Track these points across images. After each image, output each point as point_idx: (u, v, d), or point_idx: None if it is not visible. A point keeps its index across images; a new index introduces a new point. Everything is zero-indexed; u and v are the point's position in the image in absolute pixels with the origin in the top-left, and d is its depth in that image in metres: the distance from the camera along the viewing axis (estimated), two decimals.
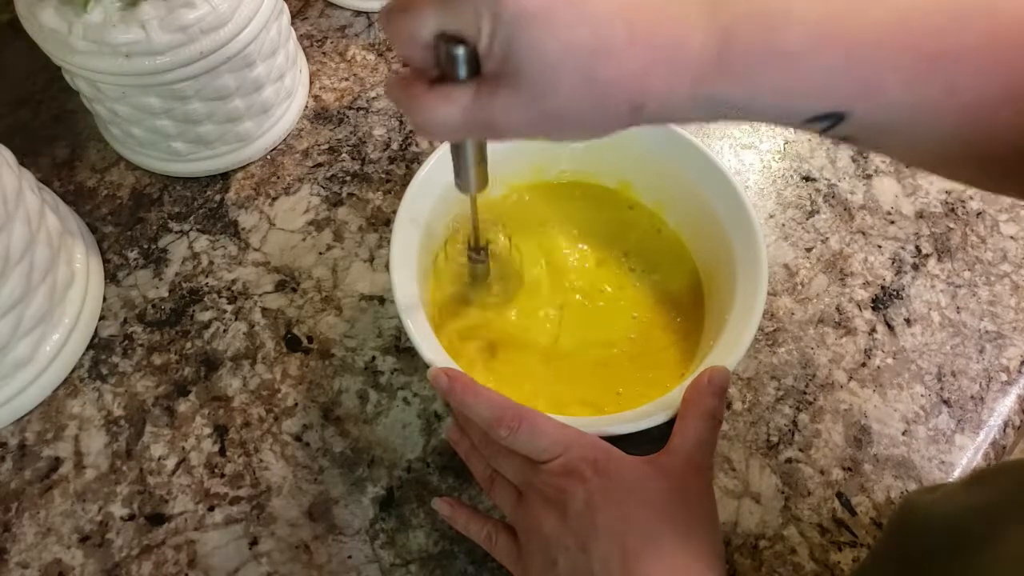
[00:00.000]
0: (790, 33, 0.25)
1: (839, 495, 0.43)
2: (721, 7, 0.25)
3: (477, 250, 0.43)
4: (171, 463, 0.44)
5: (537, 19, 0.25)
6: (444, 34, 0.27)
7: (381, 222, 0.52)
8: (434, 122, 0.28)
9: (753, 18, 0.25)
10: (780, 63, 0.25)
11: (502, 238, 0.45)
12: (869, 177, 0.54)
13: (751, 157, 0.56)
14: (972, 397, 0.46)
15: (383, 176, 0.54)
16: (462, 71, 0.27)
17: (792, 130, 0.55)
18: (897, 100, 0.26)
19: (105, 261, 0.51)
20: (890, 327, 0.48)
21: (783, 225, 0.52)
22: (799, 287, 0.50)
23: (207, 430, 0.45)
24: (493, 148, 0.45)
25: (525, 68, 0.25)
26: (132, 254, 0.51)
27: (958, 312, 0.49)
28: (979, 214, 0.53)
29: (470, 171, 0.34)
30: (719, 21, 0.25)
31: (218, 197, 0.54)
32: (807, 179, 0.54)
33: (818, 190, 0.54)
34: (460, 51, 0.27)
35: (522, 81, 0.26)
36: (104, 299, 0.50)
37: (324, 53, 0.60)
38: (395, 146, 0.56)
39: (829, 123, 0.27)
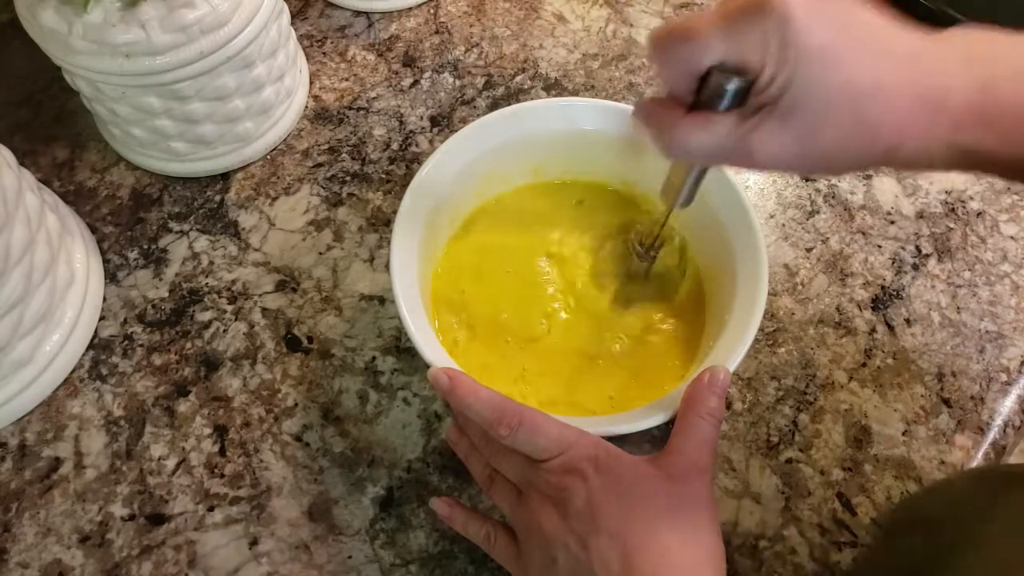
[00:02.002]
0: None
1: (839, 495, 0.43)
2: (978, 59, 0.27)
3: (648, 248, 0.44)
4: (171, 463, 0.44)
5: (824, 55, 0.26)
6: (721, 65, 0.27)
7: (381, 222, 0.52)
8: (689, 147, 0.30)
9: (1014, 73, 0.27)
10: None
11: (676, 243, 0.46)
12: (869, 177, 0.54)
13: None
14: (972, 397, 0.46)
15: (383, 176, 0.54)
16: (727, 104, 0.28)
17: None
18: None
19: (105, 261, 0.51)
20: (890, 327, 0.48)
21: (783, 225, 0.52)
22: (799, 287, 0.50)
23: (207, 430, 0.45)
24: (493, 148, 0.46)
25: (801, 102, 0.27)
26: (132, 254, 0.51)
27: (958, 312, 0.49)
28: (979, 214, 0.53)
29: (688, 190, 0.36)
30: (978, 74, 0.27)
31: (218, 197, 0.54)
32: (807, 179, 0.54)
33: (818, 190, 0.54)
34: (733, 85, 0.28)
35: (795, 115, 0.27)
36: (104, 299, 0.50)
37: (324, 53, 0.60)
38: (395, 146, 0.56)
39: None
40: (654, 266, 0.45)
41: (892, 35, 0.27)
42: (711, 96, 0.28)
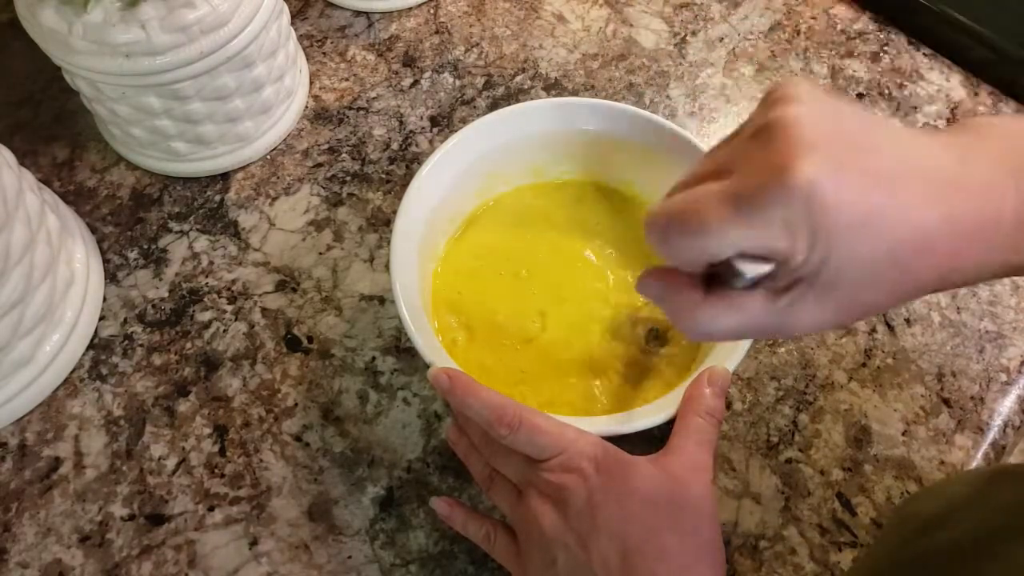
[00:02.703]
0: None
1: (839, 495, 0.43)
2: (1019, 166, 0.25)
3: (657, 337, 0.43)
4: (171, 463, 0.44)
5: (861, 228, 0.23)
6: (742, 252, 0.24)
7: (381, 222, 0.52)
8: (713, 328, 0.27)
9: None
10: None
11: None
12: None
13: None
14: (972, 397, 0.46)
15: (383, 176, 0.54)
16: (748, 284, 0.25)
17: None
18: None
19: (105, 261, 0.51)
20: (890, 327, 0.48)
21: None
22: None
23: (207, 430, 0.45)
24: (493, 148, 0.46)
25: (843, 275, 0.24)
26: (132, 254, 0.51)
27: (958, 312, 0.49)
28: None
29: None
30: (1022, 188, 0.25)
31: (218, 197, 0.54)
32: None
33: None
34: (759, 271, 0.24)
35: (836, 286, 0.25)
36: (104, 299, 0.50)
37: (324, 53, 0.60)
38: (395, 146, 0.56)
39: None
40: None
41: (921, 165, 0.25)
42: (729, 278, 0.25)
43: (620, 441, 0.36)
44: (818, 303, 0.25)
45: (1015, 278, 0.50)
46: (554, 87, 0.58)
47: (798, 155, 0.23)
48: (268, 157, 0.55)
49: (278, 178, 0.55)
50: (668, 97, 0.58)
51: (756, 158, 0.24)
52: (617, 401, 0.42)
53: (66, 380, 0.47)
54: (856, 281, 0.25)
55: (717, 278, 0.26)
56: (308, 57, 0.60)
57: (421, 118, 0.57)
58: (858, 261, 0.24)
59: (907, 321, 0.49)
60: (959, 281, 0.26)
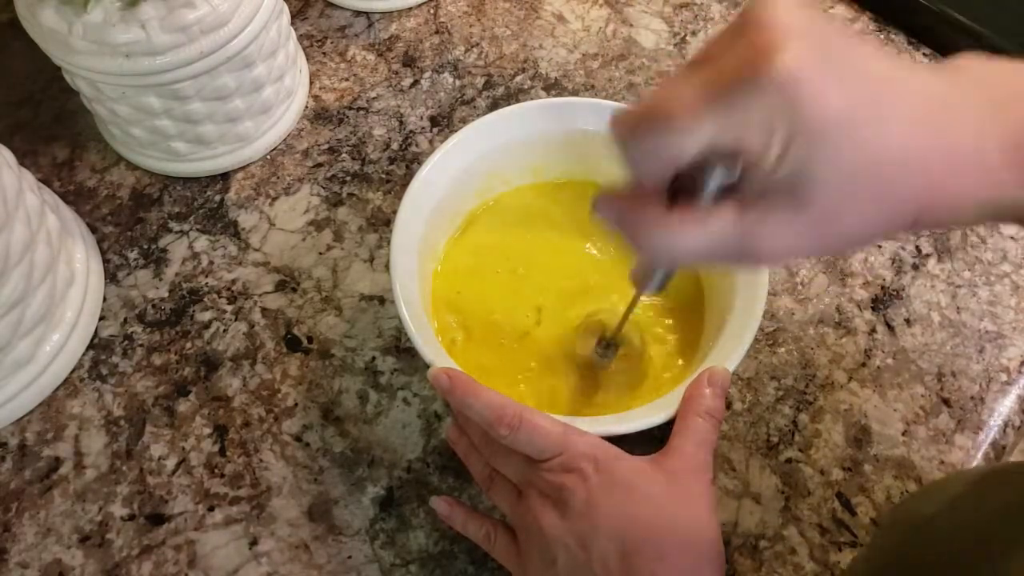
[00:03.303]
0: None
1: (839, 495, 0.43)
2: (1007, 107, 0.23)
3: (608, 345, 0.42)
4: (171, 463, 0.44)
5: (844, 127, 0.21)
6: (711, 148, 0.22)
7: (381, 222, 0.52)
8: (678, 249, 0.24)
9: None
10: None
11: (637, 344, 0.43)
12: None
13: None
14: (972, 397, 0.46)
15: (383, 176, 0.54)
16: (714, 193, 0.23)
17: None
18: None
19: (105, 261, 0.51)
20: (890, 327, 0.48)
21: None
22: (799, 287, 0.50)
23: (207, 430, 0.45)
24: (493, 148, 0.46)
25: (822, 185, 0.22)
26: (132, 254, 0.51)
27: (958, 312, 0.49)
28: None
29: (663, 277, 0.30)
30: (1009, 123, 0.23)
31: (218, 197, 0.54)
32: None
33: None
34: (725, 173, 0.22)
35: (813, 199, 0.22)
36: (104, 299, 0.50)
37: (324, 53, 0.60)
38: (395, 146, 0.56)
39: None
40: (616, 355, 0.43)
41: (914, 85, 0.23)
42: (697, 185, 0.23)
43: (620, 441, 0.36)
44: (790, 220, 0.23)
45: (1015, 278, 0.50)
46: (554, 87, 0.58)
47: (781, 42, 0.21)
48: (268, 157, 0.55)
49: (278, 178, 0.55)
50: None
51: (734, 48, 0.22)
52: (618, 401, 0.42)
53: (66, 380, 0.47)
54: (832, 196, 0.22)
55: (681, 195, 0.24)
56: (308, 57, 0.60)
57: (421, 118, 0.57)
58: (836, 171, 0.22)
59: (907, 321, 0.49)
60: (941, 216, 0.24)
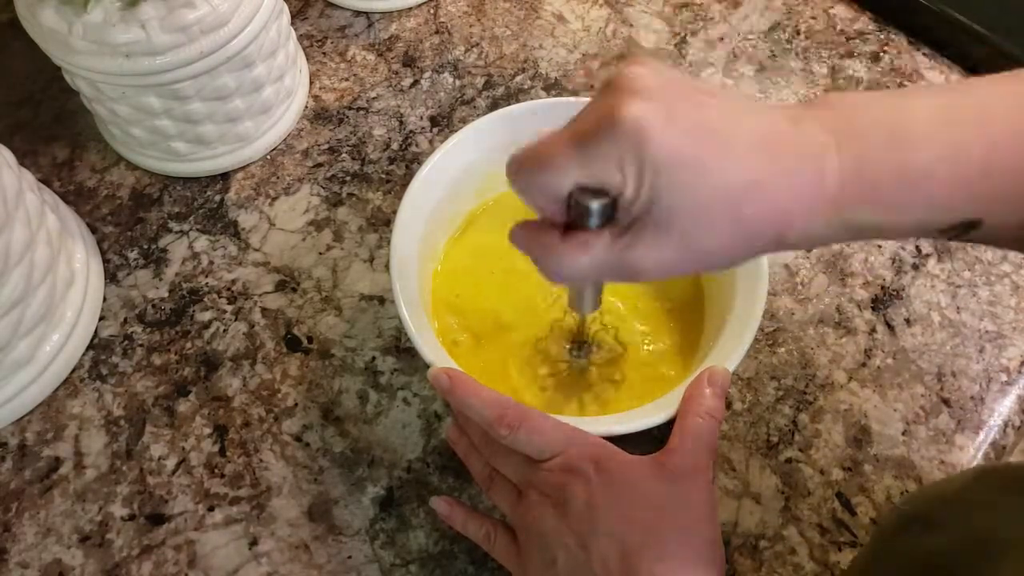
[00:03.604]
0: (921, 152, 0.26)
1: (839, 495, 0.43)
2: (848, 133, 0.26)
3: (580, 345, 0.43)
4: (171, 463, 0.44)
5: (687, 164, 0.25)
6: (581, 187, 0.27)
7: (381, 222, 0.52)
8: (570, 271, 0.29)
9: (883, 140, 0.26)
10: (915, 181, 0.26)
11: (611, 340, 0.44)
12: None
13: None
14: (972, 397, 0.46)
15: (383, 176, 0.54)
16: (596, 221, 0.27)
17: None
18: None
19: (105, 261, 0.51)
20: (890, 327, 0.48)
21: None
22: (799, 287, 0.50)
23: (207, 430, 0.45)
24: (493, 148, 0.46)
25: (676, 213, 0.26)
26: (132, 254, 0.51)
27: (958, 312, 0.49)
28: None
29: (590, 299, 0.35)
30: (851, 148, 0.26)
31: (218, 197, 0.54)
32: None
33: None
34: (597, 204, 0.27)
35: (669, 226, 0.26)
36: (104, 299, 0.50)
37: (324, 53, 0.60)
38: (395, 146, 0.56)
39: (962, 230, 0.27)
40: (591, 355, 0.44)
41: (754, 124, 0.26)
42: (579, 216, 0.28)
43: (620, 441, 0.36)
44: (656, 243, 0.27)
45: (1015, 278, 0.50)
46: (554, 87, 0.58)
47: (629, 98, 0.26)
48: (268, 157, 0.55)
49: (278, 178, 0.55)
50: None
51: (595, 105, 0.27)
52: (618, 401, 0.42)
53: (66, 380, 0.47)
54: (688, 222, 0.26)
55: (576, 226, 0.28)
56: (308, 57, 0.60)
57: (421, 118, 0.57)
58: (687, 201, 0.26)
59: (907, 321, 0.49)
60: (798, 239, 0.27)
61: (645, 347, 0.44)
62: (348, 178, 0.54)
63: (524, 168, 0.28)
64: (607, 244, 0.28)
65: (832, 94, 0.28)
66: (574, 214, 0.28)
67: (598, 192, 0.27)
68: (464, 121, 0.56)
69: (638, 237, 0.27)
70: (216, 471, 0.44)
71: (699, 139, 0.25)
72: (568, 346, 0.44)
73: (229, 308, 0.49)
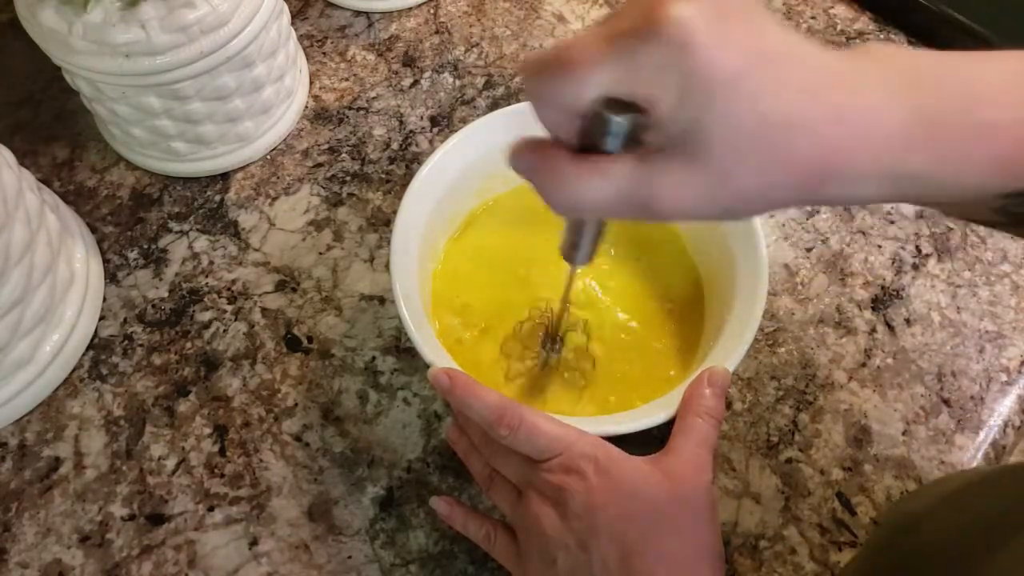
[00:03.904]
0: (992, 108, 0.24)
1: (839, 495, 0.43)
2: (917, 83, 0.24)
3: (554, 339, 0.42)
4: (171, 463, 0.44)
5: (737, 83, 0.22)
6: (608, 98, 0.23)
7: (381, 222, 0.52)
8: (581, 199, 0.25)
9: (953, 93, 0.24)
10: (981, 137, 0.24)
11: (581, 335, 0.44)
12: None
13: None
14: (972, 397, 0.46)
15: (383, 176, 0.54)
16: (618, 143, 0.24)
17: None
18: None
19: (105, 261, 0.51)
20: (890, 327, 0.48)
21: (783, 225, 0.52)
22: (799, 287, 0.50)
23: (207, 430, 0.45)
24: (493, 148, 0.46)
25: (712, 141, 0.23)
26: (132, 254, 0.51)
27: (958, 312, 0.49)
28: None
29: (588, 245, 0.30)
30: (918, 97, 0.24)
31: (218, 197, 0.54)
32: None
33: None
34: (624, 121, 0.23)
35: (707, 155, 0.23)
36: (104, 299, 0.50)
37: (324, 53, 0.60)
38: (395, 146, 0.56)
39: (1020, 200, 0.25)
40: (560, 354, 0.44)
41: (809, 57, 0.24)
42: (598, 136, 0.24)
43: (620, 441, 0.36)
44: (686, 173, 0.23)
45: (1015, 278, 0.50)
46: None
47: None
48: (268, 157, 0.55)
49: (278, 178, 0.55)
50: None
51: (637, 3, 0.23)
52: (618, 401, 0.42)
53: (66, 380, 0.47)
54: (724, 153, 0.23)
55: (587, 149, 0.25)
56: (308, 57, 0.60)
57: (421, 118, 0.57)
58: (728, 127, 0.23)
59: (907, 321, 0.49)
60: (839, 192, 0.24)
61: (623, 336, 0.44)
62: (348, 178, 0.54)
63: (543, 70, 0.24)
64: (629, 170, 0.24)
65: (883, 44, 0.25)
66: (592, 132, 0.24)
67: (627, 106, 0.23)
68: (464, 121, 0.56)
69: (666, 166, 0.24)
70: (216, 471, 0.44)
71: (749, 59, 0.22)
72: (540, 339, 0.43)
73: (229, 308, 0.49)
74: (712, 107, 0.22)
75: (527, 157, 0.26)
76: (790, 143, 0.23)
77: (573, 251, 0.31)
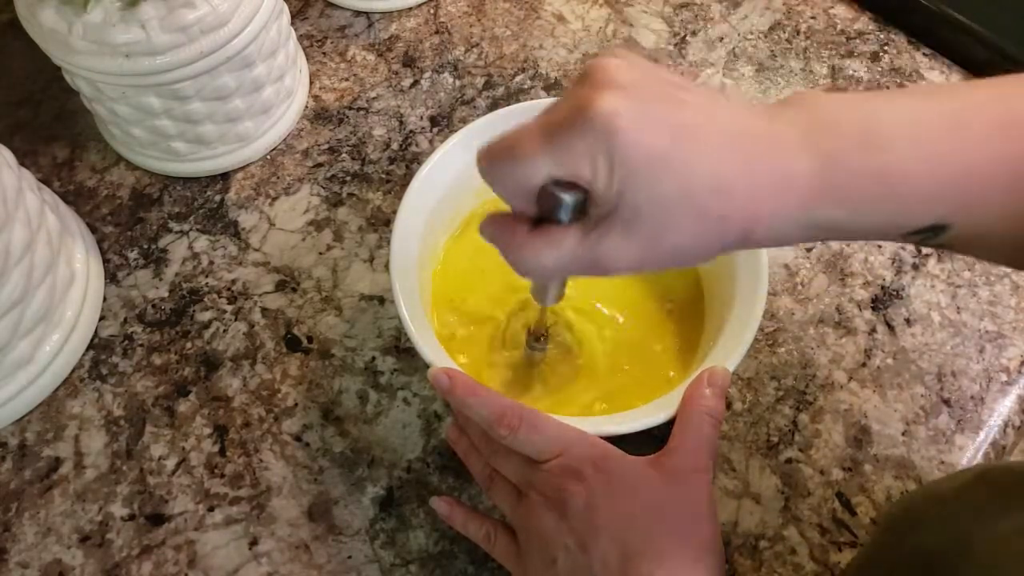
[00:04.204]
0: (894, 154, 0.26)
1: (839, 495, 0.43)
2: (821, 132, 0.26)
3: (538, 337, 0.43)
4: (171, 463, 0.44)
5: (657, 162, 0.25)
6: (554, 180, 0.27)
7: (381, 222, 0.52)
8: (539, 266, 0.28)
9: (856, 142, 0.26)
10: (886, 183, 0.26)
11: (566, 333, 0.44)
12: None
13: None
14: (972, 397, 0.46)
15: (383, 176, 0.54)
16: (568, 215, 0.27)
17: None
18: (997, 211, 0.26)
19: (105, 261, 0.51)
20: (890, 327, 0.48)
21: None
22: (799, 287, 0.50)
23: (207, 430, 0.45)
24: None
25: (643, 210, 0.26)
26: (132, 254, 0.51)
27: (958, 312, 0.49)
28: None
29: (553, 291, 0.35)
30: (822, 146, 0.26)
31: (218, 197, 0.54)
32: None
33: None
34: (569, 198, 0.27)
35: (638, 222, 0.26)
36: (104, 299, 0.50)
37: (324, 53, 0.60)
38: (395, 146, 0.56)
39: (930, 235, 0.27)
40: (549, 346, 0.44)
41: (726, 123, 0.27)
42: (550, 210, 0.27)
43: (620, 441, 0.36)
44: (624, 238, 0.27)
45: (1015, 278, 0.50)
46: (554, 87, 0.58)
47: (602, 91, 0.25)
48: (268, 157, 0.55)
49: (278, 178, 0.55)
50: None
51: (569, 96, 0.27)
52: (618, 401, 0.42)
53: (66, 380, 0.47)
54: (655, 219, 0.26)
55: (546, 220, 0.28)
56: (308, 57, 0.60)
57: (421, 118, 0.57)
58: (655, 198, 0.26)
59: (907, 321, 0.49)
60: (764, 237, 0.27)
61: (623, 337, 0.44)
62: (348, 178, 0.54)
63: (495, 159, 0.28)
64: (576, 240, 0.27)
65: (808, 92, 0.28)
66: (545, 207, 0.28)
67: (571, 186, 0.27)
68: (464, 121, 0.56)
69: (607, 233, 0.27)
70: (216, 471, 0.44)
71: (670, 136, 0.25)
72: (527, 336, 0.44)
73: (229, 308, 0.49)
74: (637, 183, 0.25)
75: (492, 228, 0.30)
76: (711, 205, 0.26)
77: (542, 295, 0.36)
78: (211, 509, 0.43)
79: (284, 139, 0.56)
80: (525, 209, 0.28)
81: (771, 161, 0.26)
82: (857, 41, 0.60)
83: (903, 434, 0.45)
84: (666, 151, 0.25)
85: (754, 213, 0.26)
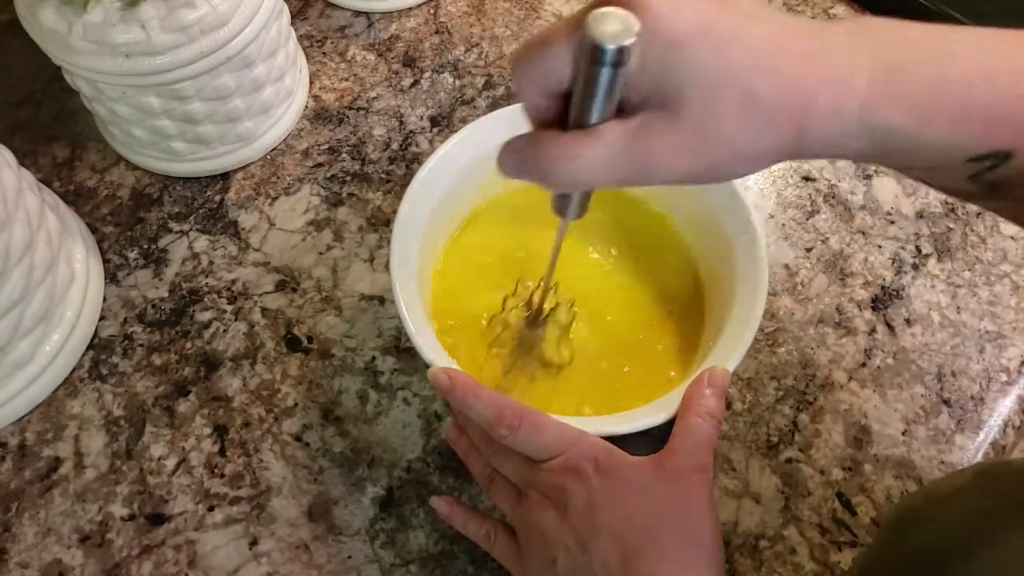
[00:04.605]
0: (962, 64, 0.25)
1: (839, 495, 0.43)
2: (881, 39, 0.25)
3: (538, 314, 0.42)
4: (171, 463, 0.44)
5: (692, 39, 0.24)
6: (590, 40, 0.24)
7: (381, 222, 0.52)
8: (581, 169, 0.25)
9: (922, 49, 0.25)
10: (951, 92, 0.25)
11: (564, 313, 0.44)
12: (869, 177, 0.54)
13: None
14: (972, 397, 0.46)
15: (383, 176, 0.54)
16: (609, 74, 0.24)
17: None
18: None
19: (105, 261, 0.51)
20: (890, 327, 0.48)
21: (783, 225, 0.52)
22: (799, 287, 0.50)
23: (207, 430, 0.45)
24: (493, 148, 0.46)
25: (685, 93, 0.24)
26: (132, 254, 0.51)
27: (958, 312, 0.49)
28: (979, 214, 0.53)
29: (577, 198, 0.30)
30: (884, 50, 0.25)
31: (218, 197, 0.54)
32: (807, 179, 0.54)
33: (818, 190, 0.54)
34: (611, 44, 0.23)
35: (680, 108, 0.24)
36: (104, 299, 0.50)
37: (324, 53, 0.60)
38: (395, 146, 0.56)
39: (993, 162, 0.26)
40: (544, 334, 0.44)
41: (774, 14, 0.25)
42: (590, 75, 0.24)
43: (620, 441, 0.36)
44: (669, 130, 0.25)
45: (1015, 278, 0.50)
46: None
47: None
48: (268, 157, 0.55)
49: (278, 178, 0.55)
50: None
51: None
52: (618, 401, 0.42)
53: (66, 380, 0.47)
54: (698, 102, 0.24)
55: (571, 127, 0.26)
56: (308, 57, 0.60)
57: (421, 118, 0.57)
58: (695, 77, 0.24)
59: (907, 321, 0.49)
60: (821, 134, 0.25)
61: (623, 337, 0.44)
62: (348, 178, 0.54)
63: (526, 53, 0.26)
64: (619, 131, 0.25)
65: (859, 17, 0.26)
66: (582, 86, 0.25)
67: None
68: (464, 121, 0.56)
69: (650, 124, 0.25)
70: (216, 471, 0.44)
71: (711, 13, 0.24)
72: (524, 316, 0.43)
73: (229, 308, 0.49)
74: (674, 62, 0.24)
75: (515, 152, 0.27)
76: (761, 88, 0.24)
77: (565, 205, 0.31)
78: (211, 509, 0.43)
79: (284, 139, 0.56)
80: (553, 114, 0.26)
81: (827, 56, 0.24)
82: None
83: (903, 434, 0.45)
84: (709, 25, 0.23)
85: (810, 104, 0.24)
